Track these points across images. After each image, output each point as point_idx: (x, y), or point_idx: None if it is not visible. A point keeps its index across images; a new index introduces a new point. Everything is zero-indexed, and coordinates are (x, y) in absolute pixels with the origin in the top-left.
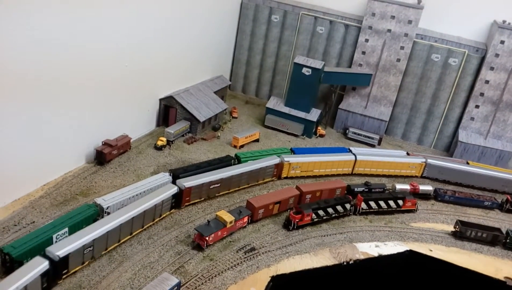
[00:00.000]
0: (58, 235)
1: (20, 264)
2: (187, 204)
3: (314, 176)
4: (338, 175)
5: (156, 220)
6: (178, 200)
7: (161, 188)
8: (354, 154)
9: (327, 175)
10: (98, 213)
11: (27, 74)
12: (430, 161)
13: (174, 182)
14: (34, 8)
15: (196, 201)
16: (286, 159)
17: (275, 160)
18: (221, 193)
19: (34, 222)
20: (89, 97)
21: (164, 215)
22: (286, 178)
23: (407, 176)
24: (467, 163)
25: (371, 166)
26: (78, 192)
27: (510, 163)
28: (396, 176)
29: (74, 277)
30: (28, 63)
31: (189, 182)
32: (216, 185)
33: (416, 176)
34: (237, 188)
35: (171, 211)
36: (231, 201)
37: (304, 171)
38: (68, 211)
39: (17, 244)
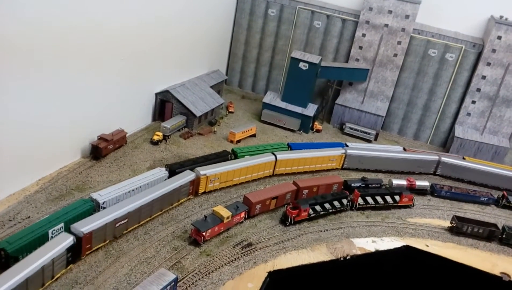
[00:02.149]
0: (54, 230)
1: (16, 259)
2: (88, 252)
3: (234, 185)
4: (260, 179)
5: (47, 284)
6: (76, 251)
7: (52, 241)
8: (274, 154)
9: (247, 182)
10: (94, 208)
11: (23, 69)
12: (349, 151)
13: (170, 176)
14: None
15: (100, 245)
16: (202, 172)
17: (189, 176)
18: (129, 229)
19: (29, 217)
20: (85, 91)
21: (58, 276)
22: (204, 193)
23: (328, 170)
24: (463, 158)
25: (292, 165)
26: (74, 187)
27: (506, 158)
28: (317, 171)
29: (70, 273)
30: (24, 58)
31: (87, 226)
32: (123, 222)
33: (337, 169)
34: (149, 218)
35: (68, 267)
36: (227, 197)
37: (223, 182)
38: (64, 206)
39: (13, 239)
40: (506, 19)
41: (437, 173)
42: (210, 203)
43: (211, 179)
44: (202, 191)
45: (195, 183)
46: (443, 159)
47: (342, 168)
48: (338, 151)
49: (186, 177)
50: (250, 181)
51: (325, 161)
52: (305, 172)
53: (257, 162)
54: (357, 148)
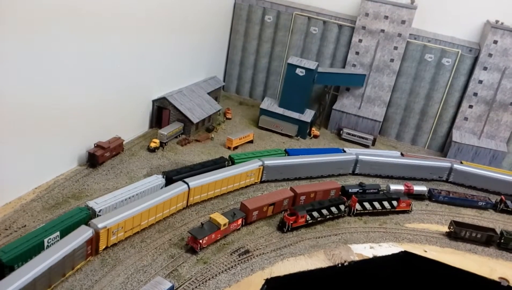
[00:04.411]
0: (50, 239)
1: (11, 269)
2: None
3: (143, 230)
4: (172, 215)
5: None
6: None
7: None
8: (186, 183)
9: (158, 222)
10: (90, 216)
11: (19, 75)
12: (266, 163)
13: (167, 183)
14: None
15: None
16: (100, 225)
17: (84, 234)
18: None
19: (25, 226)
20: (81, 99)
21: None
22: (107, 248)
23: (247, 186)
24: (460, 162)
25: (208, 189)
26: (70, 195)
27: (504, 163)
28: (236, 190)
29: (66, 282)
30: (24, 64)
31: None
32: None
33: (256, 183)
34: None
35: None
36: (225, 203)
37: (129, 230)
38: (60, 215)
39: (8, 248)
40: (502, 23)
41: (355, 172)
42: (207, 211)
43: (113, 230)
44: (104, 247)
45: (93, 240)
46: (360, 157)
47: (261, 181)
48: (256, 164)
49: (80, 236)
50: (161, 220)
51: (243, 178)
52: (223, 195)
53: (166, 197)
54: (273, 159)
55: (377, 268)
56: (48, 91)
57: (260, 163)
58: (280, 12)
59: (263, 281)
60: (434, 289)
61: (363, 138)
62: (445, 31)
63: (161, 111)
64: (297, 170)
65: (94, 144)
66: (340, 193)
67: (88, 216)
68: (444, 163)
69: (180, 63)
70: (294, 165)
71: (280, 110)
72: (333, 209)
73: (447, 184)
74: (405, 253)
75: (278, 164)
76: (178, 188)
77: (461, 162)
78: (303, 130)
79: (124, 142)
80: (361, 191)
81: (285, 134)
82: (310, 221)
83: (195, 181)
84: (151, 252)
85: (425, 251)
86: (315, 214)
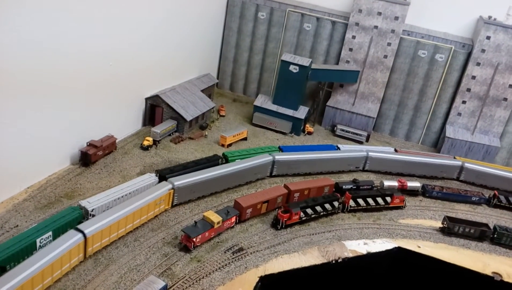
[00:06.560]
0: (42, 239)
1: (3, 269)
2: None
3: (135, 229)
4: (66, 277)
5: None
6: None
7: None
8: (81, 231)
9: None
10: (82, 215)
11: (10, 75)
12: (177, 183)
13: (160, 182)
14: (16, 6)
15: None
16: None
17: None
18: None
19: (17, 226)
20: (73, 97)
21: None
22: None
23: (156, 216)
24: (454, 158)
25: (111, 232)
26: (63, 194)
27: (497, 158)
28: (144, 224)
29: (59, 282)
30: (11, 63)
31: None
32: None
33: (166, 210)
34: None
35: None
36: (218, 201)
37: None
38: (53, 214)
39: (0, 249)
40: (495, 19)
41: (273, 174)
42: (201, 209)
43: None
44: None
45: None
46: (277, 158)
47: (173, 206)
48: (165, 188)
49: None
50: (57, 281)
51: (152, 208)
52: (131, 232)
53: (56, 255)
54: (184, 177)
55: (371, 265)
56: (39, 90)
57: (170, 186)
58: (273, 8)
59: (257, 279)
60: (428, 284)
61: (357, 134)
62: (438, 27)
63: (154, 109)
64: (211, 184)
65: (87, 143)
66: (334, 189)
67: (80, 215)
68: (358, 153)
69: (173, 61)
70: (207, 180)
71: (274, 107)
72: (327, 205)
73: (365, 173)
74: (399, 249)
75: (190, 183)
76: (72, 239)
77: (454, 157)
78: (297, 127)
79: (117, 141)
80: (354, 187)
81: (279, 131)
82: (304, 218)
83: (91, 228)
84: (144, 251)
85: (419, 247)
86: (309, 211)
